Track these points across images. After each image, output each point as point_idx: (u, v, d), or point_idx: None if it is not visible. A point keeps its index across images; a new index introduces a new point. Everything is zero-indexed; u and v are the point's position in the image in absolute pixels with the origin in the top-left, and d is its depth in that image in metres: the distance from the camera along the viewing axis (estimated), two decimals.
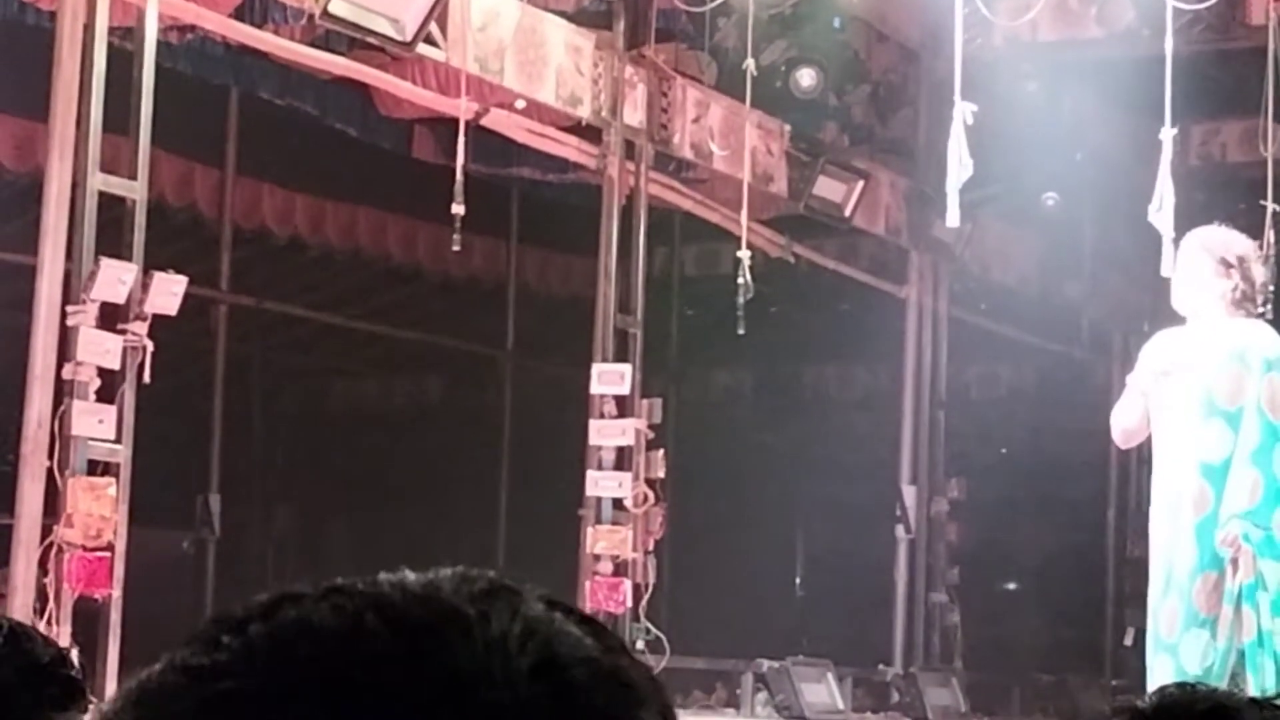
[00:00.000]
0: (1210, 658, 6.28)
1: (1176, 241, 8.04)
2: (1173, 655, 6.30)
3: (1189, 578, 6.35)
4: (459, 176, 9.66)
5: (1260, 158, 10.23)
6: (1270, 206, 9.40)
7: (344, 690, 0.93)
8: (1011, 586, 17.19)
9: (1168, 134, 8.16)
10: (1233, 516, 6.36)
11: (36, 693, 2.14)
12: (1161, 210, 8.05)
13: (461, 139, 9.81)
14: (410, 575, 1.00)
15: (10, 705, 2.10)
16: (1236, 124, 14.77)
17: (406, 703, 0.92)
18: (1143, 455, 16.26)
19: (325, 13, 9.03)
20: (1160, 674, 6.25)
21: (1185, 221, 15.40)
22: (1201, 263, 6.60)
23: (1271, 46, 9.79)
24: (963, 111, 7.95)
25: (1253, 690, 6.13)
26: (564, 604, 1.02)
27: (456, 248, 9.86)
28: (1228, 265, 6.54)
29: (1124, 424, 6.74)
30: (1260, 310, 6.70)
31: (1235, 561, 6.32)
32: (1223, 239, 6.65)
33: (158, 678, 0.97)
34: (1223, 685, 6.13)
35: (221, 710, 0.93)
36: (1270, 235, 9.12)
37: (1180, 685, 1.97)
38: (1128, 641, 15.49)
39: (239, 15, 9.70)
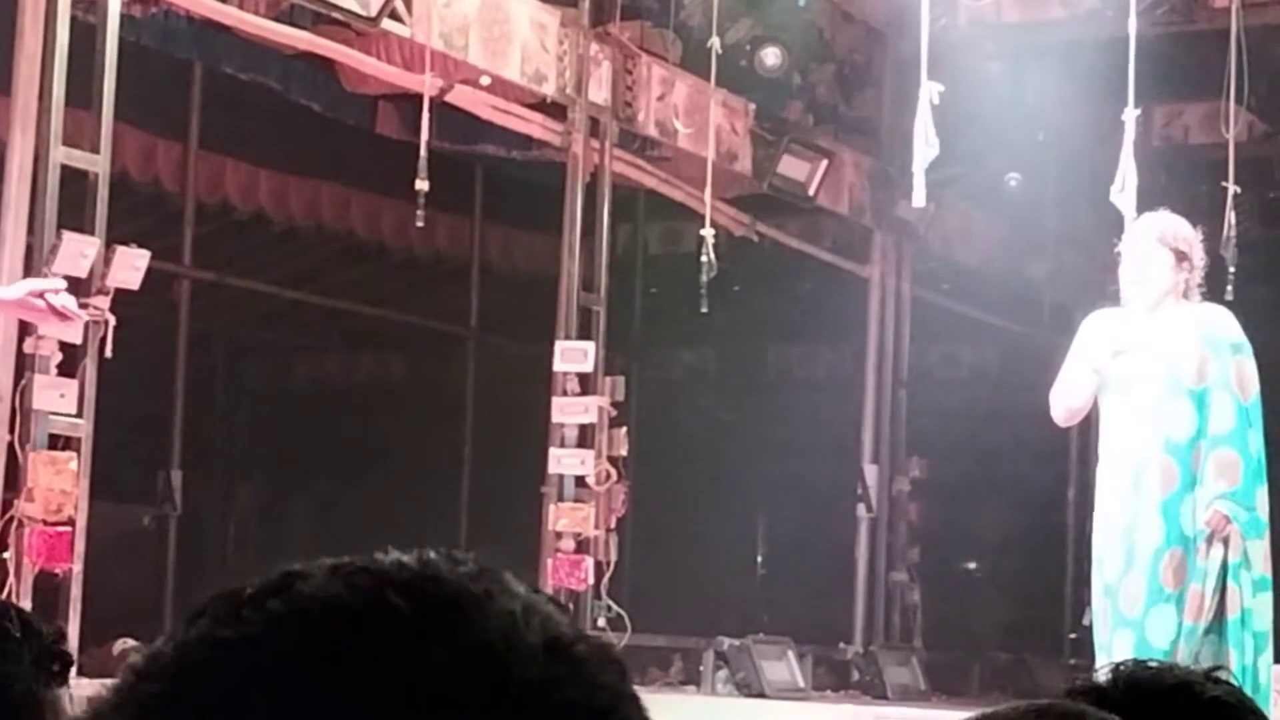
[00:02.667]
0: (1176, 633, 6.33)
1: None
2: (1137, 631, 6.35)
3: (1154, 554, 6.40)
4: (423, 153, 9.65)
5: (1222, 140, 10.26)
6: (1231, 189, 9.43)
7: (388, 663, 0.94)
8: (972, 566, 17.26)
9: (1130, 115, 8.21)
10: (1217, 497, 6.42)
11: (47, 673, 2.16)
12: (1124, 191, 8.10)
13: (425, 115, 9.80)
14: (403, 555, 1.02)
15: (25, 687, 2.12)
16: (1199, 106, 14.83)
17: (447, 677, 0.95)
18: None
19: None
20: (1121, 650, 6.31)
21: (1147, 203, 15.49)
22: (1158, 255, 6.68)
23: (1234, 29, 9.82)
24: (929, 91, 7.96)
25: (1234, 666, 6.26)
26: (534, 586, 1.06)
27: (420, 224, 9.85)
28: (1181, 255, 6.65)
29: (1070, 403, 6.78)
30: (1202, 291, 6.80)
31: (1211, 539, 6.38)
32: (1174, 229, 6.78)
33: (177, 653, 0.96)
34: (1190, 661, 6.20)
35: (271, 678, 0.93)
36: (1231, 217, 9.16)
37: (1137, 662, 1.98)
38: (1086, 621, 15.57)
39: None
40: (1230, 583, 6.40)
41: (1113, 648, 6.40)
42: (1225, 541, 6.40)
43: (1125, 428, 6.54)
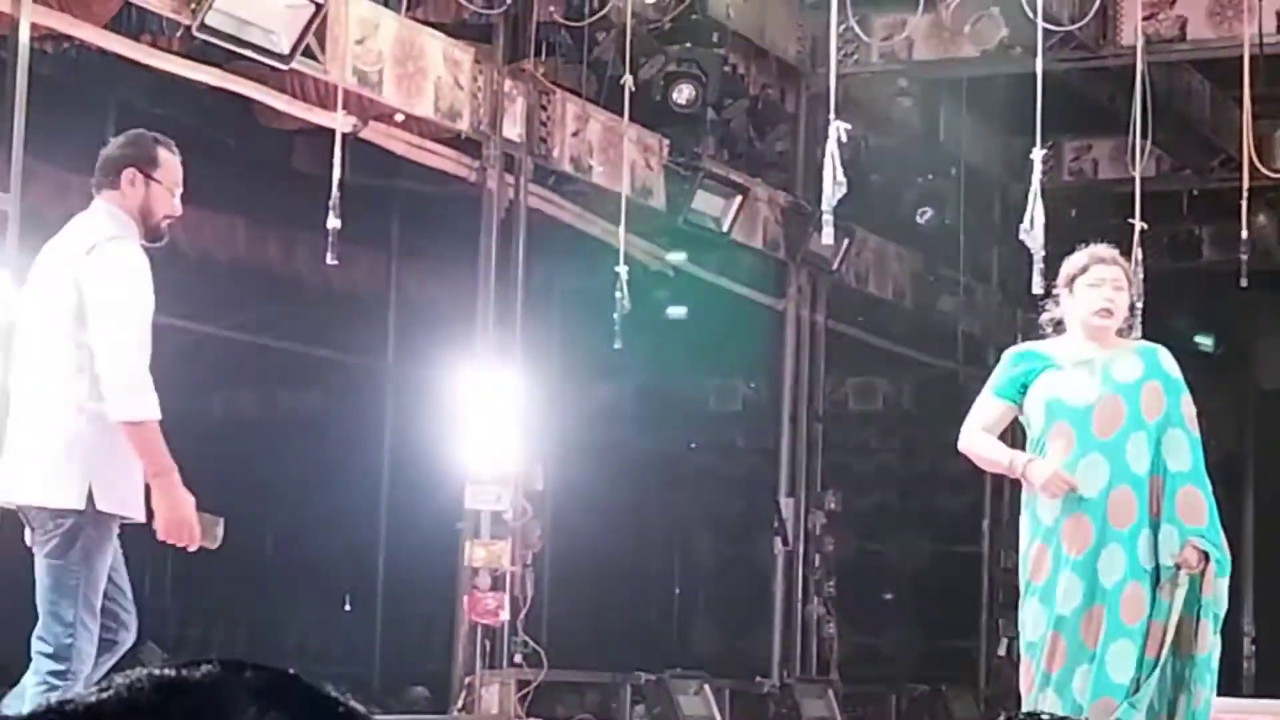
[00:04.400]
0: (1137, 668, 6.29)
1: (1046, 260, 8.17)
2: (1097, 664, 6.27)
3: (1115, 588, 6.32)
4: (335, 192, 9.65)
5: (1131, 175, 10.38)
6: (1139, 224, 9.55)
7: None
8: (888, 597, 17.33)
9: (1038, 154, 8.29)
10: (1192, 534, 6.34)
11: None
12: (1032, 230, 8.17)
13: (338, 153, 9.81)
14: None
15: None
16: (1108, 142, 15.02)
17: None
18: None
19: (202, 25, 9.00)
20: (1081, 683, 6.27)
21: (1058, 238, 15.64)
22: (1125, 288, 6.55)
23: (1140, 67, 9.94)
24: (837, 130, 8.01)
25: (1200, 702, 6.31)
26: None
27: (332, 261, 9.84)
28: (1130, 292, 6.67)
29: (979, 451, 6.51)
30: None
31: (1176, 576, 6.30)
32: (1129, 267, 6.76)
33: None
34: (1149, 693, 6.24)
35: None
36: (1138, 253, 9.26)
37: (1047, 716, 2.02)
38: (1001, 651, 15.69)
39: (115, 25, 9.64)
40: (1203, 619, 6.36)
41: (1075, 681, 6.33)
42: (1200, 578, 6.35)
43: (1085, 460, 6.37)
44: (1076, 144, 15.76)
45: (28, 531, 5.93)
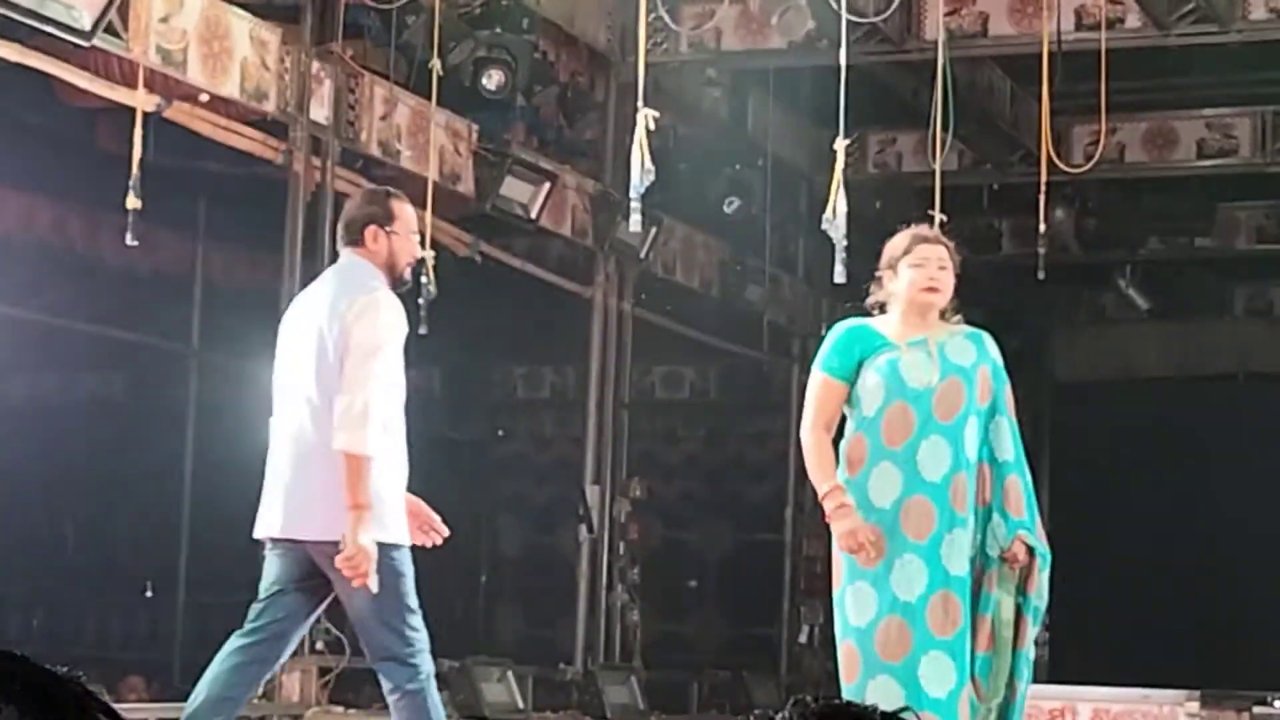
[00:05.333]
0: (973, 659, 6.20)
1: (851, 251, 8.24)
2: (950, 649, 6.16)
3: (967, 576, 6.20)
4: (135, 171, 9.52)
5: (933, 168, 10.52)
6: (939, 216, 9.68)
7: None
8: (692, 584, 17.45)
9: (840, 144, 8.34)
10: (1018, 526, 6.24)
11: None
12: (835, 220, 8.24)
13: (139, 133, 9.68)
14: None
15: None
16: (912, 135, 15.22)
17: None
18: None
19: None
20: (932, 669, 6.13)
21: (862, 229, 15.80)
22: (950, 268, 6.46)
23: (941, 60, 10.09)
24: (645, 118, 8.04)
25: (1017, 695, 6.22)
26: None
27: (133, 242, 9.72)
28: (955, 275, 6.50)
29: (814, 460, 6.27)
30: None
31: (1001, 569, 6.21)
32: (953, 248, 6.57)
33: None
34: (988, 689, 6.18)
35: None
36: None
37: (822, 699, 2.02)
38: (803, 639, 15.88)
39: None
40: (1025, 615, 6.27)
41: (918, 670, 6.16)
42: (1025, 573, 6.26)
43: (927, 442, 6.22)
44: (881, 137, 15.96)
45: (275, 556, 6.42)
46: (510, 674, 12.27)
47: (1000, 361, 6.40)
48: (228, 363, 15.75)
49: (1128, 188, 16.76)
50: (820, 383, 6.38)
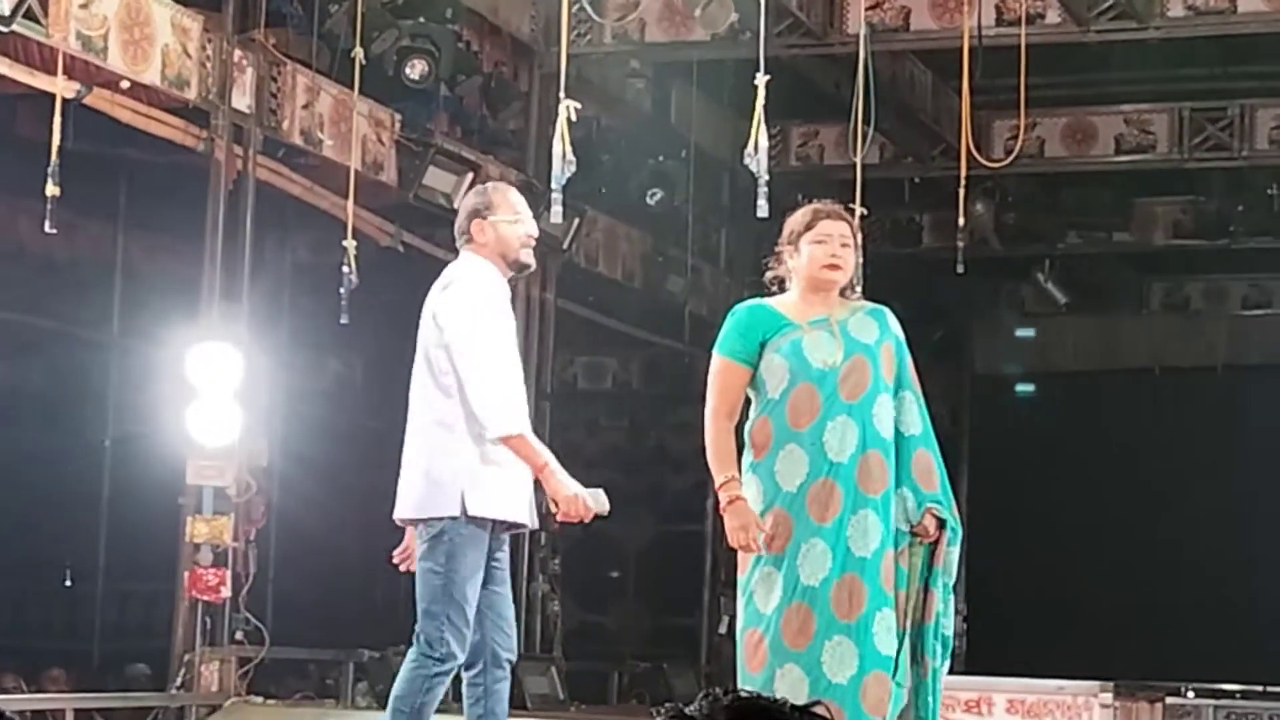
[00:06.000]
0: (896, 637, 6.04)
1: (769, 184, 8.26)
2: (857, 634, 5.99)
3: (875, 556, 6.01)
4: (54, 158, 9.48)
5: (854, 161, 10.58)
6: (859, 210, 9.73)
7: None
8: (614, 575, 17.48)
9: (761, 81, 8.21)
10: (929, 500, 6.10)
11: None
12: (756, 155, 8.20)
13: (58, 119, 9.63)
14: None
15: None
16: (834, 128, 15.28)
17: None
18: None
19: None
20: (834, 656, 5.98)
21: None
22: (852, 244, 6.27)
23: (863, 54, 10.14)
24: (566, 108, 8.05)
25: (928, 671, 6.06)
26: None
27: (52, 230, 9.67)
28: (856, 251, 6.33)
29: (715, 450, 6.08)
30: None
31: (912, 544, 6.08)
32: (855, 225, 6.44)
33: None
34: (905, 665, 6.05)
35: None
36: (858, 238, 9.42)
37: (732, 691, 2.03)
38: (723, 630, 15.92)
39: None
40: (932, 588, 6.11)
41: (821, 656, 6.00)
42: (933, 547, 6.12)
43: (833, 423, 6.06)
44: (804, 129, 16.02)
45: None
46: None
47: (902, 336, 6.26)
48: (148, 350, 15.66)
49: (1047, 182, 16.90)
50: (721, 367, 6.18)
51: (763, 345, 6.13)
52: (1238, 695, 14.84)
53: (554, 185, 8.13)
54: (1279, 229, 16.58)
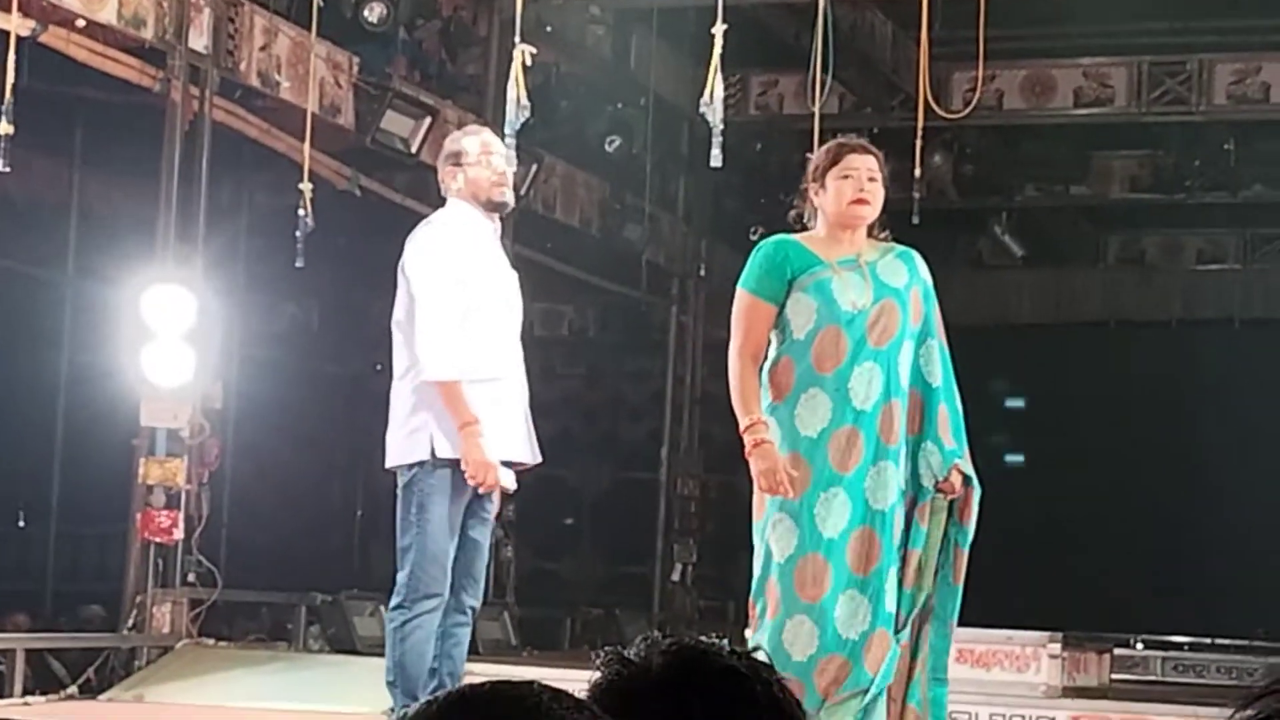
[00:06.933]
0: (898, 596, 5.88)
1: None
2: (871, 588, 5.81)
3: (890, 510, 5.84)
4: (8, 96, 9.41)
5: (814, 111, 10.56)
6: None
7: None
8: (568, 522, 17.51)
9: (719, 30, 8.15)
10: (954, 456, 5.91)
11: None
12: (712, 105, 8.18)
13: (13, 57, 9.55)
14: None
15: None
16: (793, 77, 15.27)
17: None
18: (694, 395, 16.82)
19: None
20: (847, 610, 5.80)
21: (743, 170, 15.89)
22: (881, 180, 6.02)
23: (822, 3, 10.12)
24: (521, 53, 8.02)
25: (949, 629, 5.97)
26: None
27: (5, 168, 9.61)
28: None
29: (739, 392, 5.88)
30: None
31: (933, 501, 5.89)
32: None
33: None
34: (910, 624, 5.90)
35: None
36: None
37: (669, 637, 2.04)
38: (675, 577, 15.98)
39: None
40: (961, 547, 5.93)
41: (834, 610, 5.81)
42: (959, 504, 5.95)
43: (860, 369, 5.86)
44: (763, 79, 15.99)
45: None
46: (383, 608, 12.26)
47: (930, 282, 6.05)
48: (103, 291, 15.60)
49: (1005, 134, 16.91)
50: (748, 305, 5.93)
51: (790, 283, 5.89)
52: (1185, 647, 14.98)
53: (508, 131, 8.09)
54: (1235, 184, 16.63)
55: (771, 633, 5.86)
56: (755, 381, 5.90)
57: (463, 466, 6.56)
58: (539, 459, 6.95)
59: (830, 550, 5.81)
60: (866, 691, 5.85)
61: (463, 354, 6.63)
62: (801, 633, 5.82)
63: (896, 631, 5.90)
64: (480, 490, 6.64)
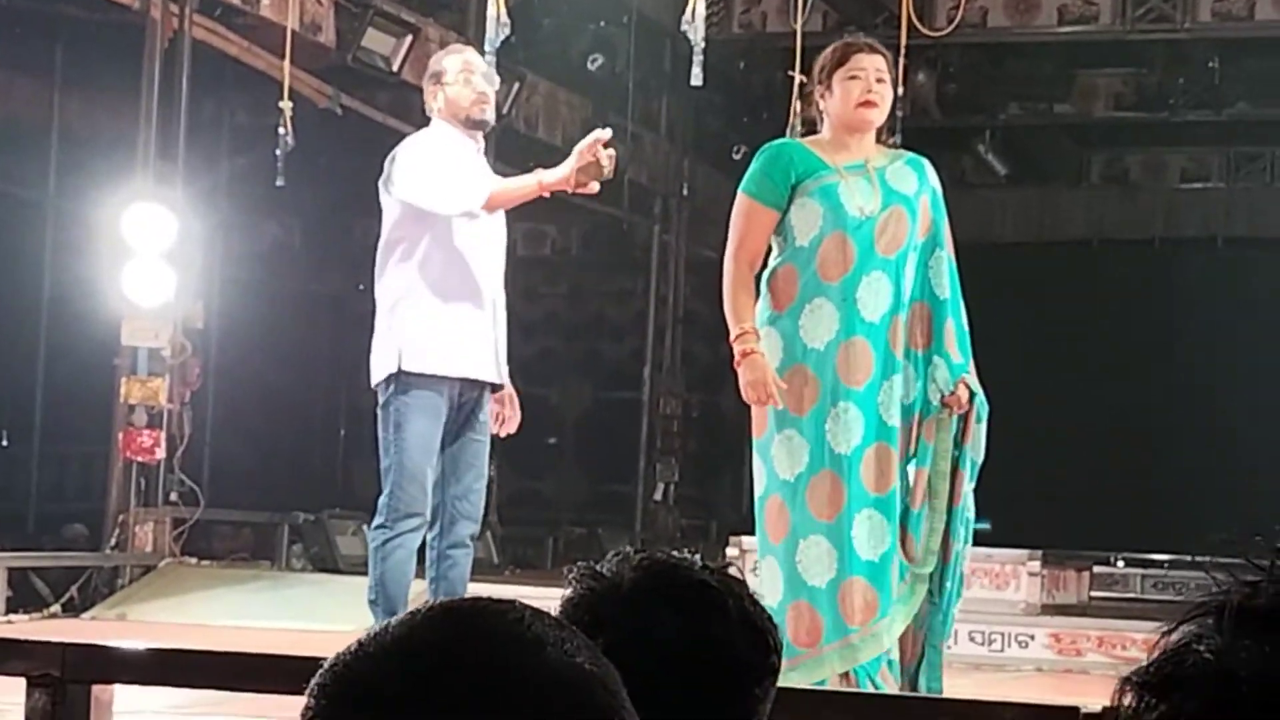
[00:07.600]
0: (904, 513, 5.68)
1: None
2: (883, 507, 5.60)
3: (899, 425, 5.66)
4: None
5: (795, 28, 10.50)
6: (798, 78, 9.69)
7: None
8: (551, 441, 17.53)
9: None
10: (962, 371, 5.72)
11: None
12: (694, 23, 8.15)
13: None
14: None
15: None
16: None
17: None
18: (676, 315, 16.84)
19: None
20: (865, 529, 5.59)
21: (726, 89, 15.79)
22: (889, 81, 5.76)
23: None
24: None
25: (953, 553, 5.70)
26: None
27: None
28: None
29: (734, 304, 5.68)
30: None
31: (937, 418, 5.70)
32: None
33: None
34: (923, 546, 5.68)
35: None
36: (798, 106, 9.39)
37: (641, 552, 2.06)
38: (658, 496, 16.01)
39: None
40: (961, 469, 5.70)
41: (852, 528, 5.58)
42: (963, 421, 5.72)
43: (868, 278, 5.64)
44: None
45: None
46: (365, 527, 12.30)
47: (940, 191, 5.82)
48: (84, 210, 15.55)
49: (989, 52, 16.83)
50: (747, 209, 5.70)
51: (794, 188, 5.66)
52: (1166, 565, 15.06)
53: (488, 49, 8.07)
54: (1218, 103, 16.59)
55: (784, 556, 5.66)
56: (751, 290, 5.70)
57: (581, 190, 6.69)
58: (505, 383, 6.80)
59: (843, 467, 5.60)
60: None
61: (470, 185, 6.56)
62: (819, 553, 5.61)
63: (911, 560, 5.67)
64: (594, 177, 6.68)
